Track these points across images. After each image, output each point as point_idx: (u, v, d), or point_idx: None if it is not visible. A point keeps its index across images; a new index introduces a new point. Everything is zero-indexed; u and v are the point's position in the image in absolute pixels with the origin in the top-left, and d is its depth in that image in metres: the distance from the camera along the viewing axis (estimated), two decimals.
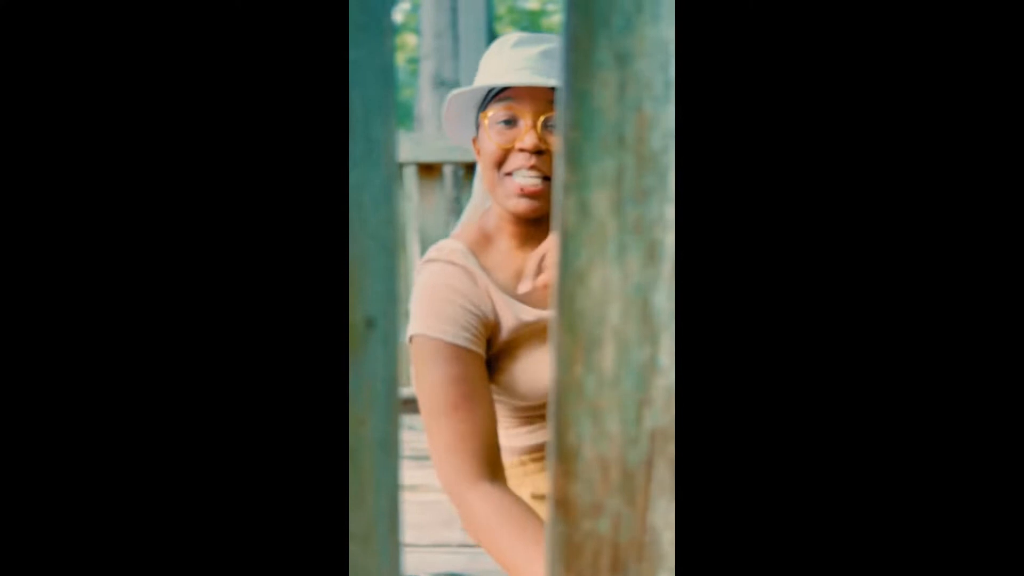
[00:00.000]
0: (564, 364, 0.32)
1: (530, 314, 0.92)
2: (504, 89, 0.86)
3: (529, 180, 0.85)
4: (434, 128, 3.35)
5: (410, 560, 1.21)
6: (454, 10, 3.28)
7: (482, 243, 0.95)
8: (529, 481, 1.08)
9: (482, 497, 0.81)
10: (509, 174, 0.87)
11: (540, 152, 0.85)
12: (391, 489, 0.28)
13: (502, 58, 0.88)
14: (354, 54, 0.24)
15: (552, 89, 0.84)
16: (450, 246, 0.93)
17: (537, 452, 1.05)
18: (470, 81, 3.14)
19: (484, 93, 0.90)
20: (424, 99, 3.39)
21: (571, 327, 0.31)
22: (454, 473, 0.84)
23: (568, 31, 0.29)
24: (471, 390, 0.86)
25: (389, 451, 0.28)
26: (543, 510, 1.03)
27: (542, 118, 0.84)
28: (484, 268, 0.92)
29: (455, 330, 0.87)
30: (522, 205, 0.86)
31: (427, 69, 3.41)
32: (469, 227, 0.99)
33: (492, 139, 0.87)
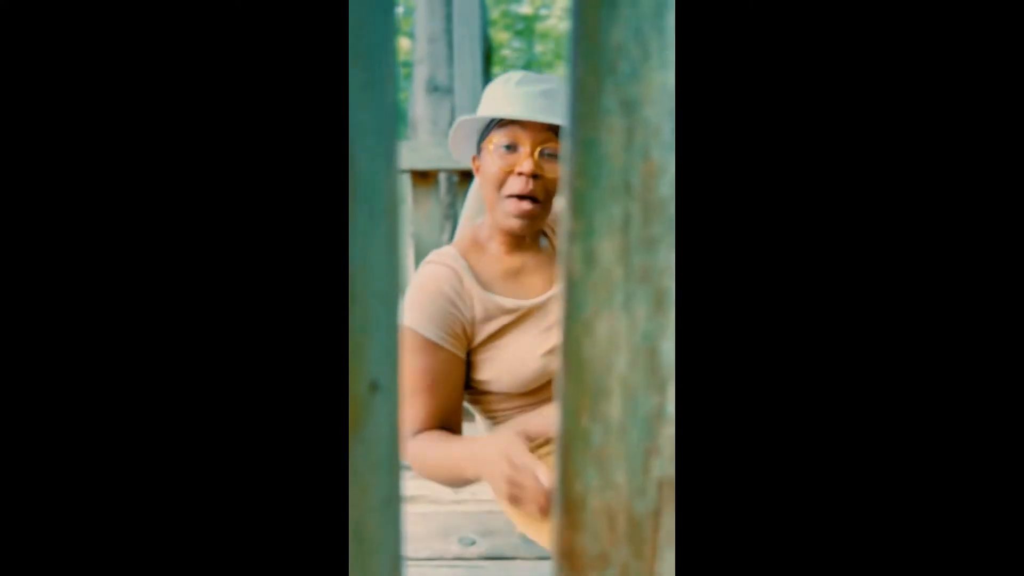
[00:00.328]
0: (570, 413, 0.31)
1: (511, 303, 1.05)
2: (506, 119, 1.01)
3: (524, 206, 1.00)
4: (428, 134, 3.34)
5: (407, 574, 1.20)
6: (448, 16, 3.27)
7: (474, 249, 1.10)
8: None
9: (417, 440, 1.01)
10: (507, 196, 1.01)
11: (536, 176, 0.99)
12: (394, 548, 0.27)
13: (507, 92, 1.02)
14: (356, 111, 0.24)
15: (549, 125, 0.98)
16: (446, 251, 1.09)
17: (532, 444, 1.13)
18: (464, 86, 3.14)
19: (488, 120, 1.03)
20: (418, 105, 3.38)
21: (577, 376, 0.31)
22: (403, 440, 1.05)
23: (574, 78, 0.29)
24: (434, 382, 1.01)
25: (392, 507, 0.28)
26: None
27: (539, 147, 0.99)
28: (472, 270, 1.07)
29: (433, 328, 1.02)
30: (516, 224, 1.02)
31: (421, 74, 3.39)
32: (464, 236, 1.15)
33: (495, 162, 1.01)
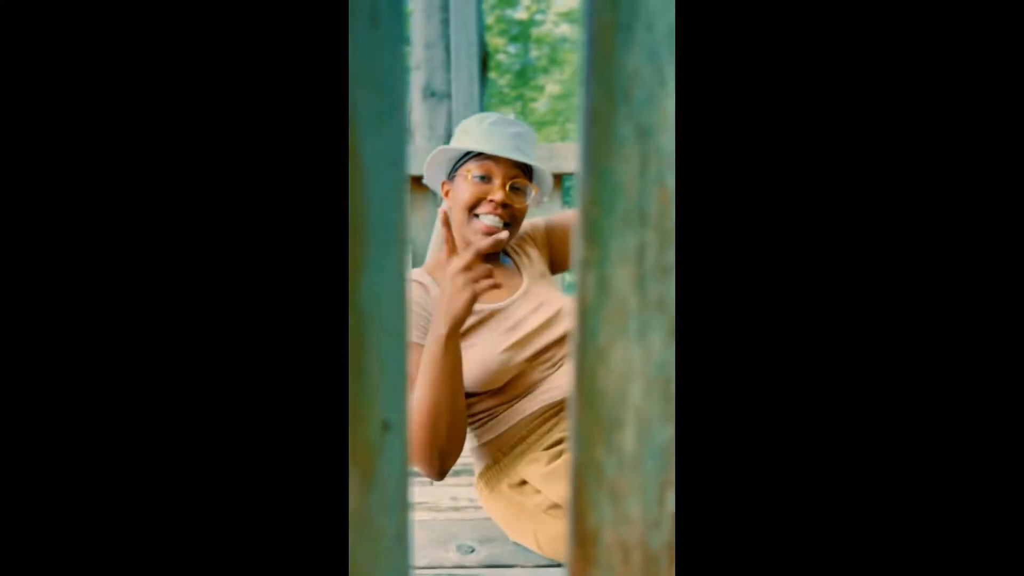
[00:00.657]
0: (584, 444, 0.30)
1: (475, 306, 1.13)
2: (481, 153, 1.16)
3: (493, 222, 1.14)
4: (425, 140, 3.33)
5: None
6: (445, 21, 3.26)
7: (440, 269, 1.21)
8: (504, 475, 1.17)
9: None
10: (476, 216, 1.16)
11: (505, 206, 1.15)
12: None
13: (483, 130, 1.17)
14: (368, 142, 0.23)
15: (516, 163, 1.15)
16: (412, 271, 1.21)
17: (508, 445, 1.18)
18: (461, 91, 3.13)
19: (464, 152, 1.18)
20: (415, 110, 3.37)
21: (591, 406, 0.30)
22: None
23: (587, 104, 0.28)
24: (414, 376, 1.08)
25: (402, 545, 0.27)
26: (521, 498, 1.15)
27: (510, 181, 1.15)
28: (439, 283, 1.17)
29: (411, 330, 1.11)
30: (486, 242, 1.12)
31: (418, 80, 3.39)
32: (431, 260, 1.32)
33: (468, 188, 1.15)
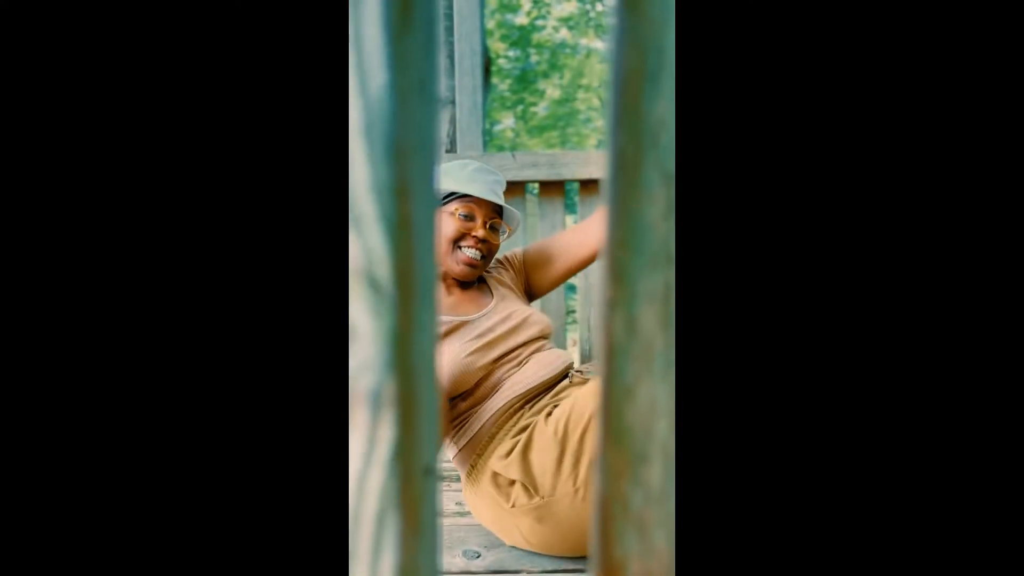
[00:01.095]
0: (610, 478, 0.31)
1: (446, 317, 1.30)
2: (466, 195, 1.38)
3: (474, 255, 1.36)
4: None
5: None
6: (449, 29, 3.27)
7: None
8: (482, 475, 1.23)
9: None
10: (459, 248, 1.37)
11: (483, 241, 1.37)
12: None
13: (467, 175, 1.38)
14: (419, 209, 0.24)
15: (494, 205, 1.38)
16: None
17: (481, 444, 1.25)
18: (464, 98, 3.14)
19: (449, 192, 1.38)
20: None
21: (618, 441, 0.31)
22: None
23: (614, 149, 0.29)
24: None
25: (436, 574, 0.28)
26: (498, 495, 1.20)
27: (489, 221, 1.38)
28: None
29: None
30: (465, 271, 1.36)
31: None
32: None
33: (453, 224, 1.36)
